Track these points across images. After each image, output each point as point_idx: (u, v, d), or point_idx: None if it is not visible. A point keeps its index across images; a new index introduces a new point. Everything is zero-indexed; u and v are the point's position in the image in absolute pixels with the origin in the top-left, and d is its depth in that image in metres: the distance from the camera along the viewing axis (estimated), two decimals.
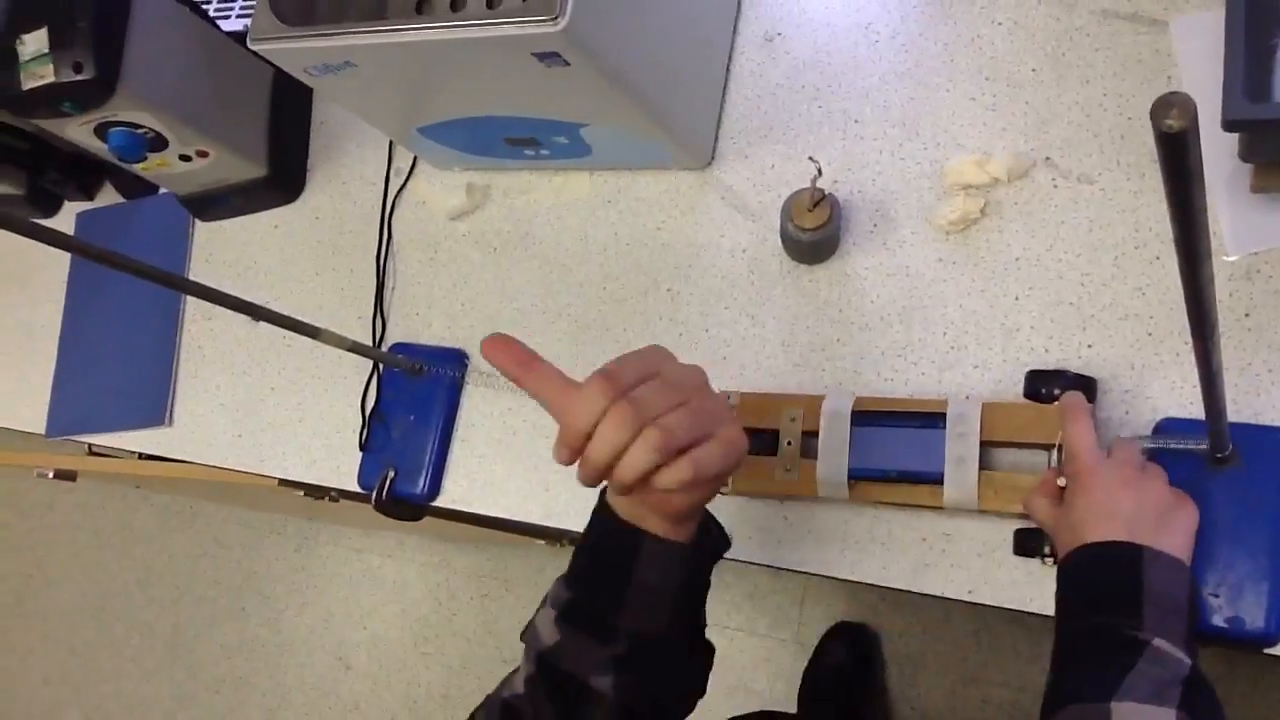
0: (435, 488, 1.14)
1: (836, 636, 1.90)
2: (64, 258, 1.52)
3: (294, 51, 0.93)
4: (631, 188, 1.12)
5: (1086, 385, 0.86)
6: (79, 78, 1.08)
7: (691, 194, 1.09)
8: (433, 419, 1.14)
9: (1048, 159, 0.94)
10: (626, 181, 1.13)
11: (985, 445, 0.86)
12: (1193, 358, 0.60)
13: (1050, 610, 0.79)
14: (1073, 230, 0.92)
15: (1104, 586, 0.73)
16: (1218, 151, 0.84)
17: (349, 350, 1.03)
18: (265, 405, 1.29)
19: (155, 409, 1.36)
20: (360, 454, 1.19)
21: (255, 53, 0.95)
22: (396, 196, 1.25)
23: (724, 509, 0.97)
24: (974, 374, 0.92)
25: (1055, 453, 0.84)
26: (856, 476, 0.90)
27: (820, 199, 0.94)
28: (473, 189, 1.18)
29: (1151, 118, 0.37)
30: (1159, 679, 0.68)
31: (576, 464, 0.63)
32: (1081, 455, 0.78)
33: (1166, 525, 0.75)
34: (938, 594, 0.90)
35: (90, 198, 1.54)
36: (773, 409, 0.95)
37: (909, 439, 0.89)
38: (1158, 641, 0.69)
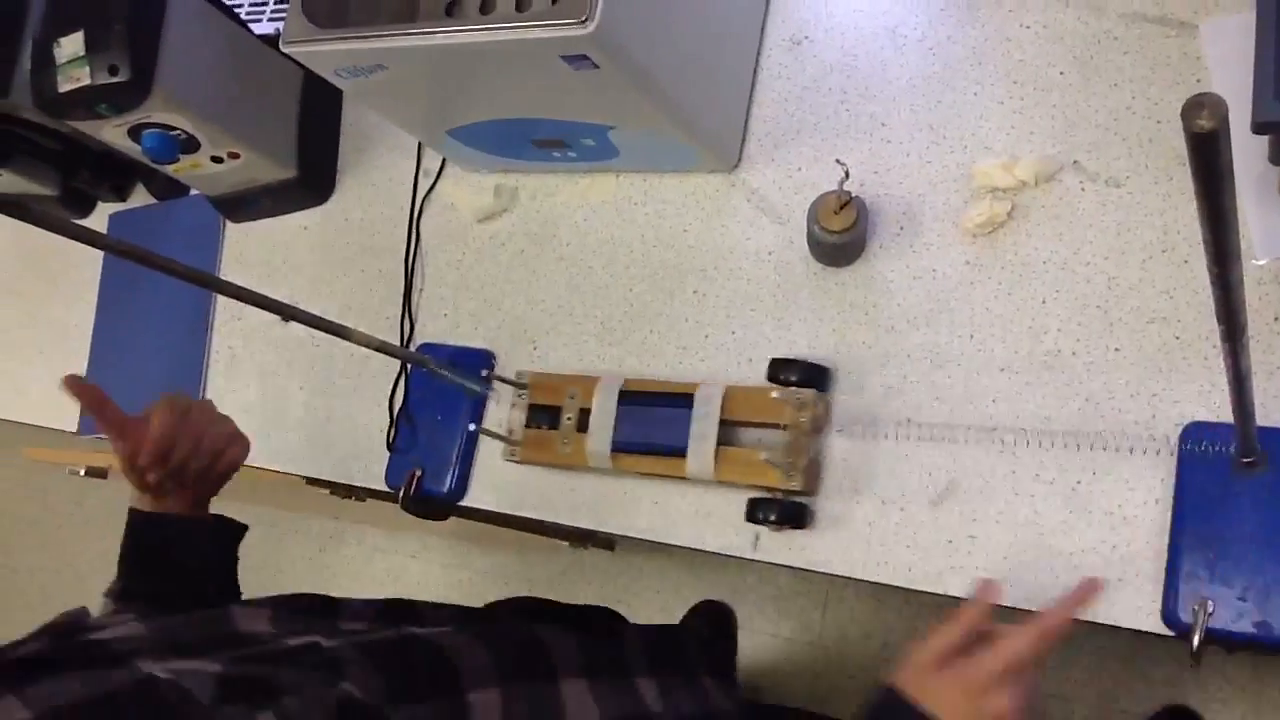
0: (462, 487, 1.15)
1: None
2: (97, 258, 1.54)
3: (325, 54, 0.94)
4: (658, 190, 1.13)
5: (820, 374, 0.97)
6: (114, 80, 1.10)
7: (718, 196, 1.09)
8: (460, 419, 1.15)
9: (1075, 162, 0.94)
10: (653, 184, 1.13)
11: (728, 424, 0.98)
12: (1221, 362, 0.60)
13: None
14: (1100, 233, 0.92)
15: None
16: (1247, 155, 0.84)
17: (377, 350, 1.04)
18: (293, 404, 1.30)
19: None
20: (388, 454, 1.20)
21: (286, 55, 0.96)
22: (425, 198, 1.26)
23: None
24: (1000, 377, 0.92)
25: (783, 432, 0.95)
26: (618, 449, 1.02)
27: (847, 201, 0.94)
28: (501, 191, 1.19)
29: (1182, 118, 0.38)
30: None
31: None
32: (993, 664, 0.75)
33: None
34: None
35: (123, 199, 1.56)
36: (557, 388, 1.08)
37: (665, 418, 1.01)
38: None
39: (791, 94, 1.08)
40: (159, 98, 1.12)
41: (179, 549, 0.97)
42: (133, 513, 0.98)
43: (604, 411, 1.03)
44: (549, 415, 1.08)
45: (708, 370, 1.05)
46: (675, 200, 1.12)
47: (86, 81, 1.10)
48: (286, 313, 0.92)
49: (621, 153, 1.08)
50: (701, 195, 1.10)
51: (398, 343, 1.23)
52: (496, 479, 1.14)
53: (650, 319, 1.10)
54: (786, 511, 0.95)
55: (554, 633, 0.86)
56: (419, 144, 1.28)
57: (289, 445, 1.29)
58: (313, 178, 1.33)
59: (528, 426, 1.08)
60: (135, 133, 1.18)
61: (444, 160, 1.25)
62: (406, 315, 1.23)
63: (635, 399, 1.03)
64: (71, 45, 1.11)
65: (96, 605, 0.87)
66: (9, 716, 0.55)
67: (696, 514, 1.03)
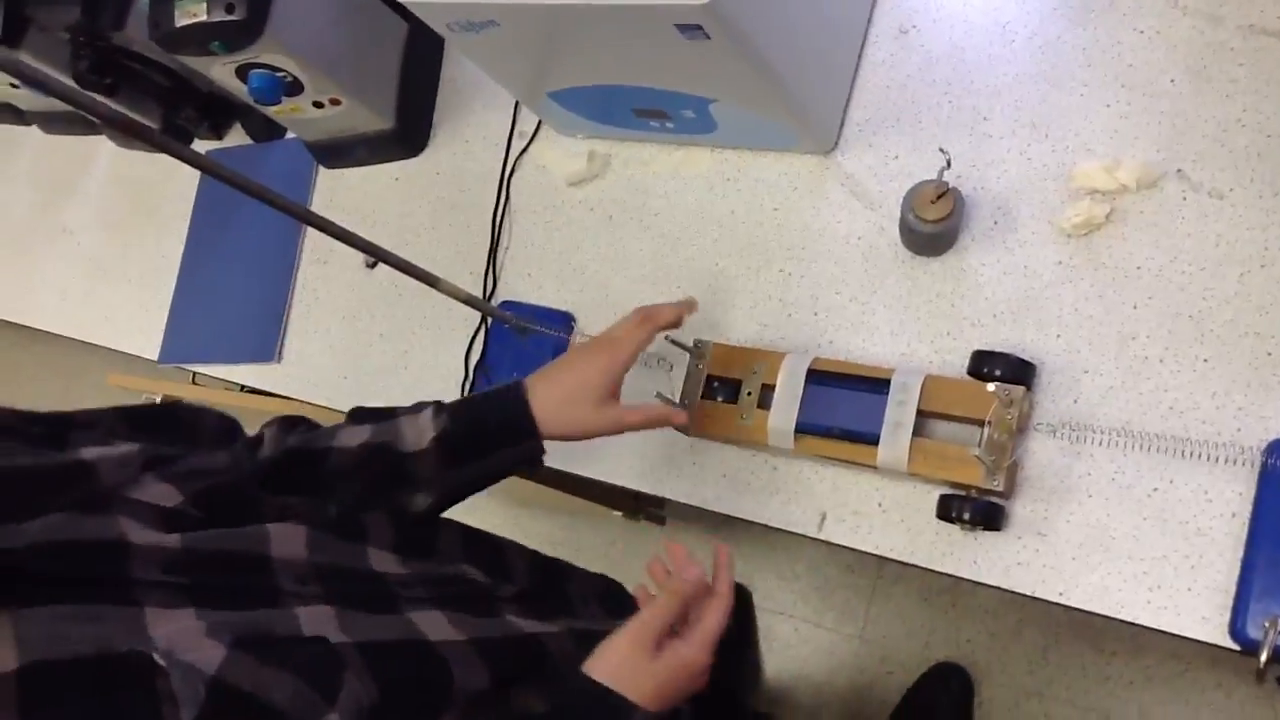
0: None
1: (935, 676, 1.89)
2: (190, 194, 1.58)
3: (442, 6, 0.96)
4: (751, 167, 1.14)
5: (1026, 370, 0.91)
6: (229, 18, 1.12)
7: (812, 178, 1.10)
8: None
9: (1179, 171, 0.94)
10: (748, 160, 1.14)
11: (923, 415, 0.93)
12: None
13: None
14: (1198, 244, 0.91)
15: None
16: None
17: (463, 302, 1.06)
18: (372, 350, 1.32)
19: (266, 345, 1.41)
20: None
21: (393, 6, 0.97)
22: (518, 159, 1.28)
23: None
24: (1084, 379, 0.92)
25: (985, 428, 0.90)
26: (803, 430, 0.98)
27: (944, 191, 0.94)
28: (594, 157, 1.20)
29: None
30: None
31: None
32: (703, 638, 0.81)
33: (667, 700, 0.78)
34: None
35: (219, 138, 1.59)
36: (740, 360, 1.04)
37: (856, 401, 0.96)
38: None
39: (895, 82, 1.08)
40: (270, 39, 1.15)
41: (495, 441, 0.93)
42: (519, 386, 0.93)
43: (790, 388, 0.99)
44: (729, 388, 1.04)
45: (788, 349, 1.05)
46: (768, 179, 1.12)
47: (203, 18, 1.13)
48: (380, 256, 0.94)
49: (720, 127, 1.09)
50: (795, 176, 1.11)
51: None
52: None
53: (734, 294, 1.11)
54: (982, 511, 0.90)
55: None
56: (515, 104, 1.29)
57: (364, 389, 1.32)
58: (408, 130, 1.35)
59: (703, 398, 1.05)
60: (242, 72, 1.21)
61: (540, 122, 1.27)
62: (490, 272, 1.25)
63: (821, 378, 0.99)
64: None
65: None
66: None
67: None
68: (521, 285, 1.24)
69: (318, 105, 1.28)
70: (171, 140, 0.77)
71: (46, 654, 0.56)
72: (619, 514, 2.06)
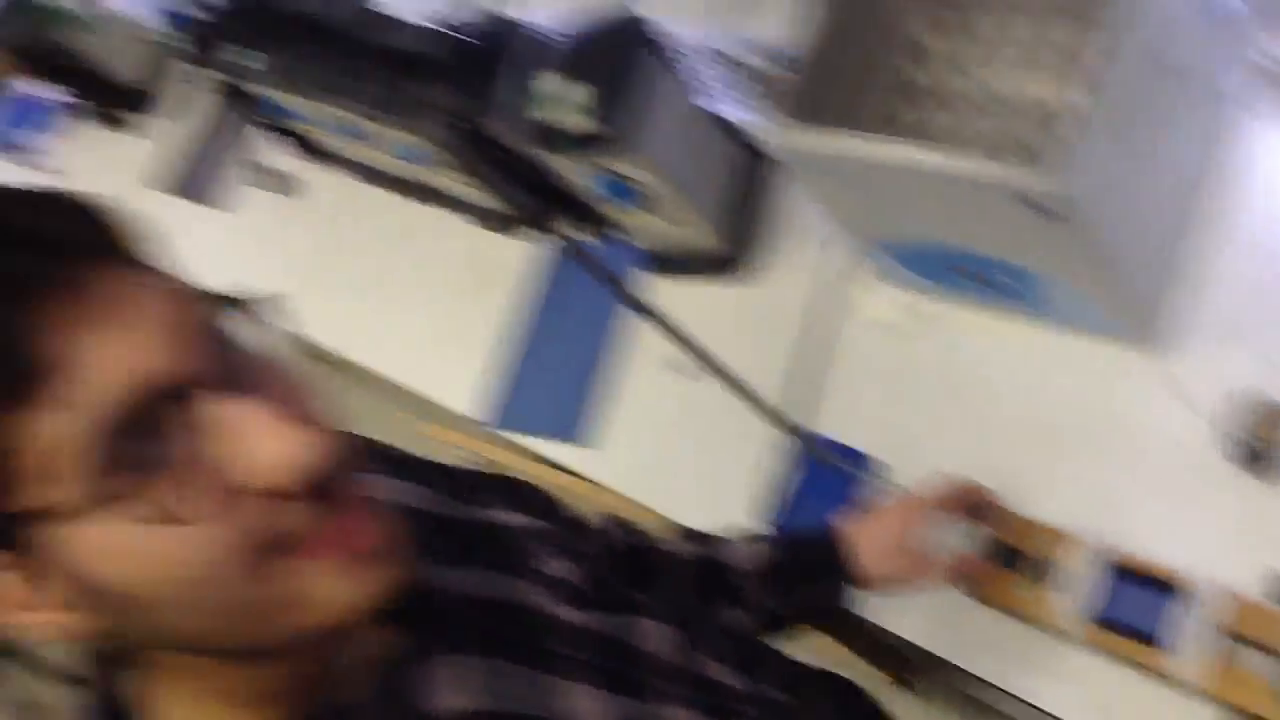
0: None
1: None
2: (518, 272, 1.70)
3: (802, 152, 1.01)
4: (1074, 348, 1.13)
5: None
6: (601, 127, 1.22)
7: (1134, 371, 1.08)
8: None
9: None
10: (1069, 340, 1.13)
11: (1227, 635, 0.91)
12: None
13: None
14: None
15: None
16: None
17: (776, 424, 1.09)
18: (682, 458, 1.38)
19: (583, 427, 1.50)
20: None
21: (740, 139, 1.02)
22: (837, 297, 1.31)
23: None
24: None
25: None
26: (1092, 620, 0.98)
27: None
28: (914, 311, 1.22)
29: None
30: None
31: None
32: None
33: None
34: None
35: (553, 232, 1.71)
36: (1035, 534, 1.04)
37: (1154, 602, 0.95)
38: None
39: (1246, 287, 1.04)
40: (631, 151, 1.24)
41: (812, 577, 1.00)
42: (836, 530, 1.01)
43: (1088, 573, 1.00)
44: (1014, 558, 1.05)
45: (1081, 532, 1.02)
46: (1087, 363, 1.11)
47: (568, 121, 1.23)
48: (713, 366, 0.99)
49: (1044, 303, 1.09)
50: (1118, 365, 1.09)
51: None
52: (932, 618, 1.13)
53: (1032, 468, 1.09)
54: None
55: None
56: (842, 244, 1.33)
57: (670, 490, 1.37)
58: (736, 253, 1.42)
59: (987, 559, 1.06)
60: (596, 176, 1.31)
61: (863, 265, 1.30)
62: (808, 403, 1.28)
63: (1121, 572, 0.99)
64: (556, 83, 1.23)
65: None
66: (460, 686, 0.61)
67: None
68: (822, 420, 1.26)
69: (662, 218, 1.36)
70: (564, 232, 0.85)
71: (495, 705, 0.61)
72: (886, 679, 1.97)
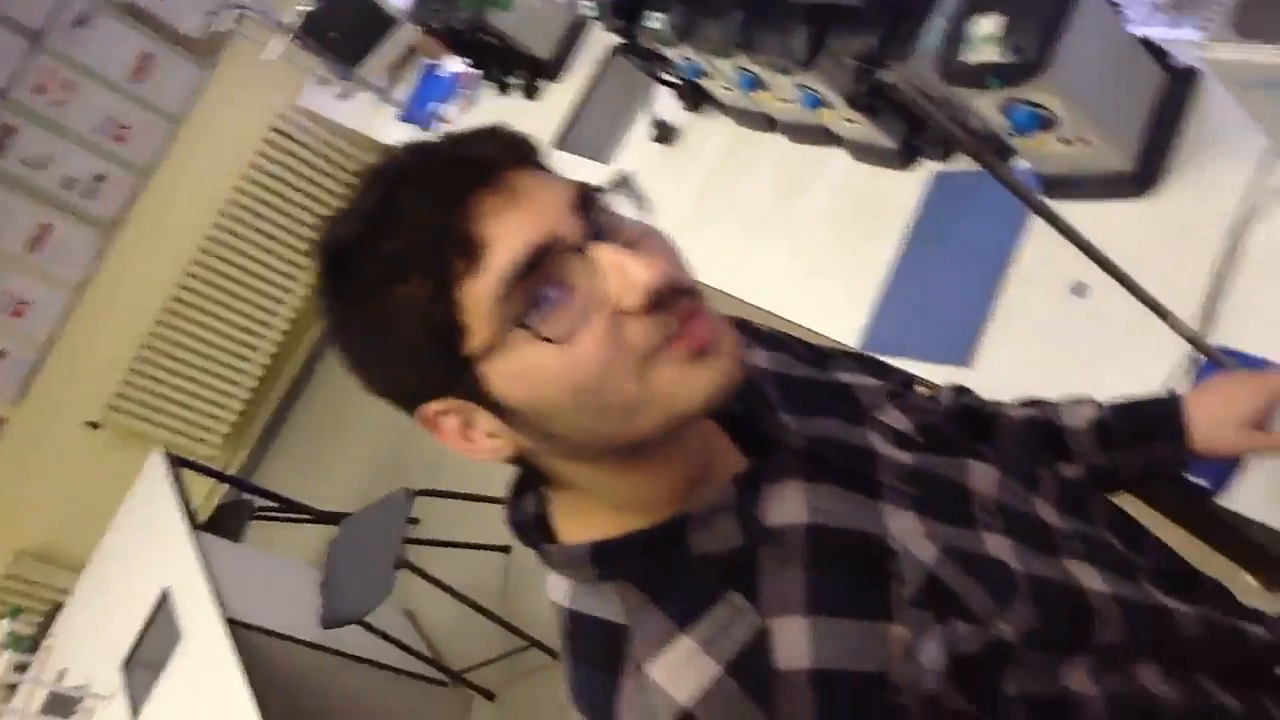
0: (1222, 479, 1.20)
1: None
2: (908, 205, 1.77)
3: (1248, 66, 1.03)
4: None
5: None
6: (1015, 59, 1.28)
7: None
8: None
9: None
10: None
11: None
12: None
13: None
14: None
15: None
16: None
17: (1187, 340, 1.12)
18: (1062, 375, 1.42)
19: (961, 349, 1.56)
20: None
21: (1156, 53, 1.03)
22: (1254, 207, 1.30)
23: None
24: None
25: None
26: None
27: None
28: None
29: None
30: None
31: None
32: None
33: None
34: None
35: (944, 159, 1.78)
36: None
37: None
38: None
39: None
40: (1045, 79, 1.28)
41: (1146, 434, 1.07)
42: (1174, 395, 1.09)
43: None
44: None
45: None
46: None
47: (994, 59, 1.29)
48: (1098, 257, 1.05)
49: None
50: None
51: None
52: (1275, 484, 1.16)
53: None
54: None
55: None
56: (1262, 155, 1.31)
57: None
58: (1145, 172, 1.42)
59: None
60: (1005, 107, 1.36)
61: None
62: (1207, 310, 1.29)
63: None
64: (989, 25, 1.31)
65: None
66: (794, 504, 0.78)
67: None
68: (1236, 335, 1.26)
69: (1064, 141, 1.40)
70: (994, 159, 0.93)
71: (826, 520, 0.77)
72: (1250, 578, 1.93)
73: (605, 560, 0.76)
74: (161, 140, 4.80)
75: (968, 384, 1.54)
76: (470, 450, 0.75)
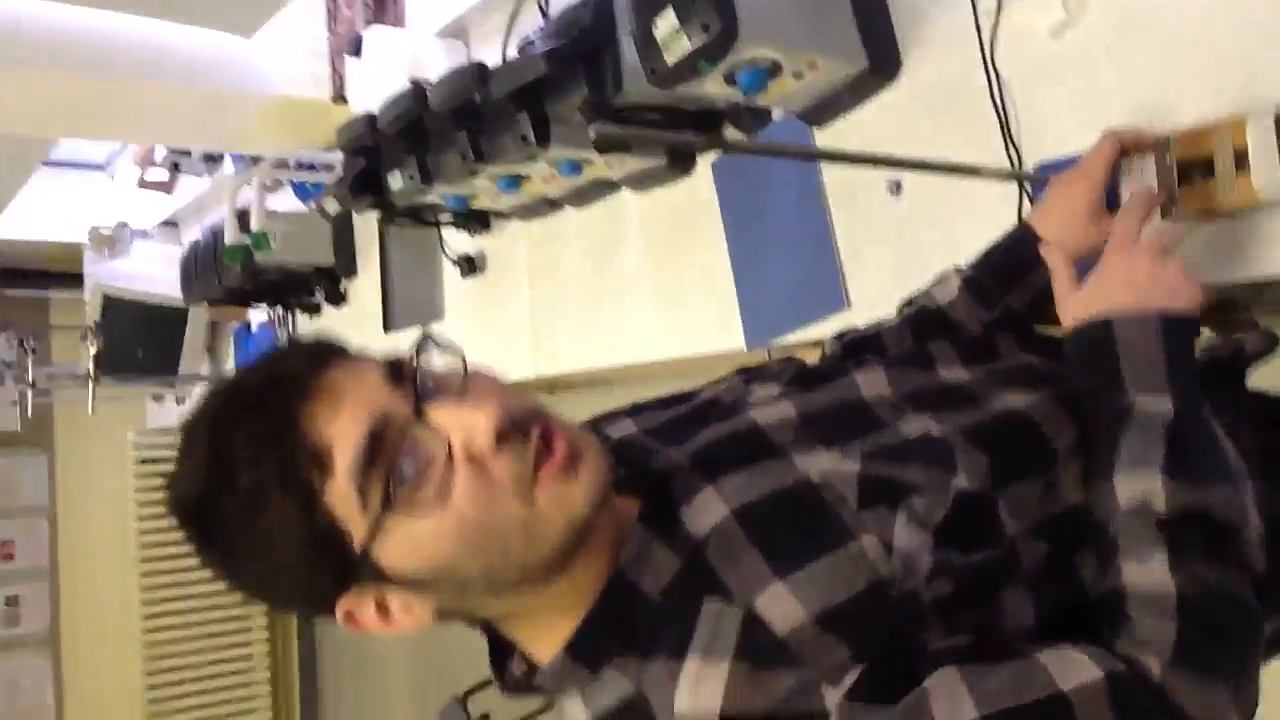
0: None
1: None
2: (712, 204, 1.77)
3: None
4: None
5: None
6: (708, 37, 1.28)
7: None
8: None
9: None
10: None
11: None
12: None
13: None
14: None
15: (1094, 365, 0.86)
16: None
17: (1011, 178, 1.12)
18: (930, 262, 1.41)
19: (832, 297, 1.56)
20: None
21: None
22: (993, 38, 1.32)
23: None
24: None
25: None
26: None
27: None
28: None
29: None
30: (1144, 440, 0.79)
31: None
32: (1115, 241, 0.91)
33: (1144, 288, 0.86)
34: None
35: (717, 146, 1.78)
36: (1203, 138, 1.05)
37: None
38: (1139, 399, 0.81)
39: None
40: (745, 39, 1.28)
41: (1011, 268, 1.09)
42: (1027, 227, 1.09)
43: (1264, 141, 1.01)
44: (1200, 167, 1.07)
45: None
46: None
47: (687, 47, 1.29)
48: (901, 164, 1.05)
49: None
50: None
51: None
52: None
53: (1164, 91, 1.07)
54: None
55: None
56: None
57: None
58: (880, 61, 1.43)
59: (1180, 185, 1.08)
60: (730, 77, 1.36)
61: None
62: (1009, 143, 1.30)
63: None
64: (666, 22, 1.30)
65: None
66: (710, 504, 0.79)
67: None
68: (1045, 146, 1.27)
69: (797, 76, 1.40)
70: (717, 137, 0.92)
71: (746, 499, 0.79)
72: None
73: (584, 652, 0.78)
74: (46, 535, 4.68)
75: (855, 322, 1.55)
76: (394, 629, 0.77)
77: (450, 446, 0.72)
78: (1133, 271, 0.87)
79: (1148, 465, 0.78)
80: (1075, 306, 0.89)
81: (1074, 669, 0.71)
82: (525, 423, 0.74)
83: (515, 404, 0.75)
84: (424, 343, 0.77)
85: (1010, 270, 1.08)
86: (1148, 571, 0.76)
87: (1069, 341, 0.89)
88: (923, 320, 1.12)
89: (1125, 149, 1.08)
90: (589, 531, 0.76)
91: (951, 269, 1.13)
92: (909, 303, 1.17)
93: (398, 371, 0.75)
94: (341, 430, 0.70)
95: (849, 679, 0.70)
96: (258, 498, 0.70)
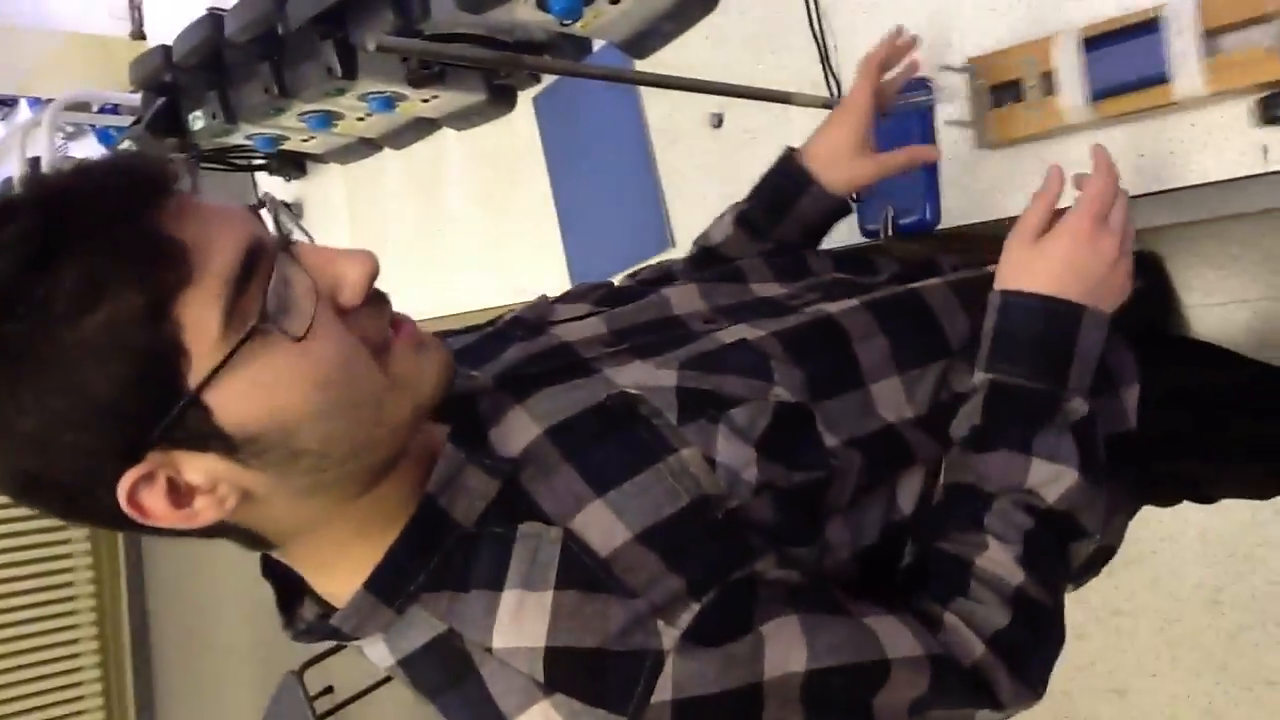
0: (936, 213, 1.19)
1: None
2: (536, 148, 1.70)
3: None
4: None
5: None
6: None
7: None
8: (913, 143, 1.18)
9: None
10: None
11: (1211, 34, 0.92)
12: None
13: None
14: None
15: (1044, 344, 0.83)
16: None
17: (823, 106, 1.10)
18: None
19: (658, 236, 1.52)
20: (854, 205, 1.25)
21: None
22: None
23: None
24: None
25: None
26: (1097, 97, 1.00)
27: None
28: None
29: None
30: (1060, 436, 0.81)
31: None
32: (1082, 207, 0.84)
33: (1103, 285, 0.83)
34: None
35: (538, 81, 1.71)
36: (1010, 61, 1.06)
37: (1132, 53, 0.97)
38: (1074, 399, 0.81)
39: None
40: None
41: (782, 199, 1.07)
42: (791, 155, 1.07)
43: (1070, 65, 1.01)
44: (1010, 91, 1.07)
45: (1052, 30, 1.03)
46: None
47: None
48: (719, 90, 1.02)
49: None
50: None
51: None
52: (969, 192, 1.16)
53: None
54: None
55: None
56: None
57: None
58: None
59: (991, 109, 1.09)
60: (542, 3, 1.30)
61: None
62: (830, 75, 1.27)
63: (1094, 45, 1.00)
64: None
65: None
66: (520, 425, 0.74)
67: (1193, 142, 1.00)
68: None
69: (614, 1, 1.35)
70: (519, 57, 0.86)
71: (558, 416, 0.75)
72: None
73: (387, 589, 0.69)
74: None
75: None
76: (189, 520, 0.63)
77: (316, 289, 0.64)
78: (1095, 262, 0.83)
79: (1066, 461, 0.80)
80: (1042, 271, 0.84)
81: (900, 640, 0.72)
82: (380, 296, 0.69)
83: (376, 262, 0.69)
84: (271, 200, 0.72)
85: (778, 201, 1.07)
86: (1004, 555, 0.78)
87: (1015, 297, 0.85)
88: (701, 261, 1.09)
89: (885, 65, 1.07)
90: (408, 439, 0.70)
91: (730, 205, 1.11)
92: (695, 242, 1.14)
93: (257, 210, 0.68)
94: (208, 237, 0.60)
95: (685, 617, 0.66)
96: (88, 292, 0.56)
